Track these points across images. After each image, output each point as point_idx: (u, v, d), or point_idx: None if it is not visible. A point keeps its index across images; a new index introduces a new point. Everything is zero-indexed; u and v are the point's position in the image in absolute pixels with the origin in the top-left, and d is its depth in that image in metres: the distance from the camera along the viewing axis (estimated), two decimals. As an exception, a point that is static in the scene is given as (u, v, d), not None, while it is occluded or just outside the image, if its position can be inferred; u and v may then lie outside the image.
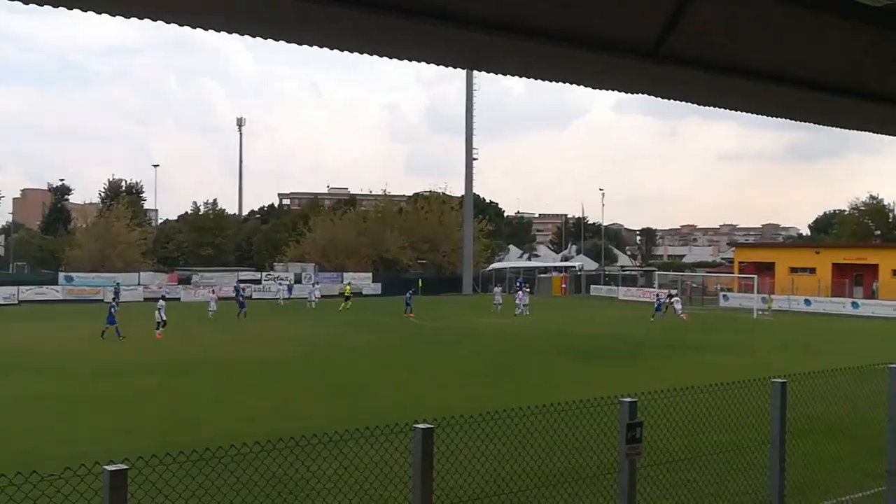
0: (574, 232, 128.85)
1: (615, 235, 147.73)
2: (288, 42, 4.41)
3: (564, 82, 5.47)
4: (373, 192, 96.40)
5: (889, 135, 9.28)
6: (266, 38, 4.41)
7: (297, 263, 74.71)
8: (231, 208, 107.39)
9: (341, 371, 25.33)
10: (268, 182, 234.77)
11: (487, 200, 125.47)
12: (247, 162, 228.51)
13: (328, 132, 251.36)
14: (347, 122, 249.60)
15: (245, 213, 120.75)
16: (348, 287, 57.55)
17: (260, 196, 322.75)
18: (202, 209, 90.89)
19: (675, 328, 42.59)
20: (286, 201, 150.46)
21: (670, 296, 51.41)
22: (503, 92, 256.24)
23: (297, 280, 68.84)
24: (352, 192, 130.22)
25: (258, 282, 67.17)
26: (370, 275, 73.75)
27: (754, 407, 9.48)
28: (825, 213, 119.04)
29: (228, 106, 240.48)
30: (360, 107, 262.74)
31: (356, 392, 21.18)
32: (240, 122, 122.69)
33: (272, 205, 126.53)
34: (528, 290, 50.99)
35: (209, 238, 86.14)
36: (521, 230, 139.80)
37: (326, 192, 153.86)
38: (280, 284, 64.13)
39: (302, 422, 16.39)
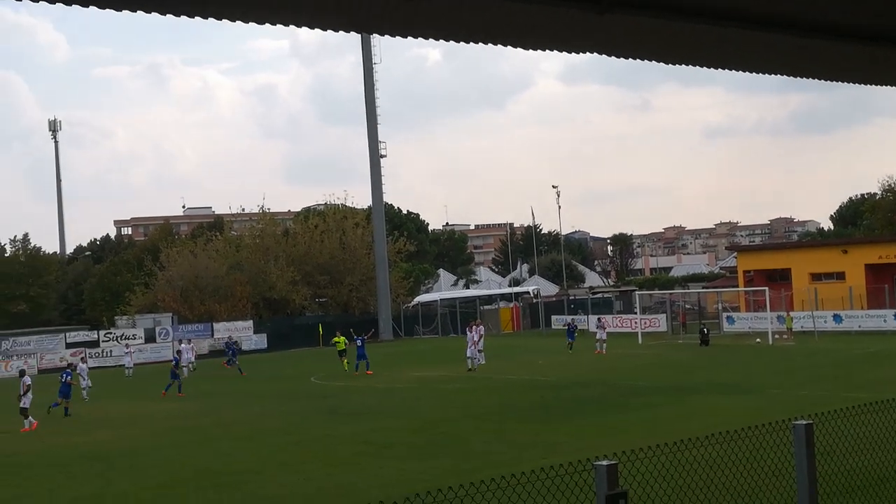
0: (524, 246, 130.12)
1: (579, 247, 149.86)
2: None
3: (490, 42, 5.52)
4: (246, 210, 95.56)
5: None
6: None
7: (148, 315, 73.68)
8: (49, 245, 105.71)
9: (218, 457, 24.98)
10: (99, 205, 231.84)
11: (405, 212, 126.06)
12: (67, 180, 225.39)
13: (177, 132, 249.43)
14: (203, 117, 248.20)
15: (70, 250, 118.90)
16: (342, 339, 50.82)
17: (89, 225, 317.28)
18: (8, 250, 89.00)
19: (669, 366, 43.24)
20: (126, 230, 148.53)
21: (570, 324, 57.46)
22: (414, 63, 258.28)
23: (151, 338, 67.89)
24: (216, 212, 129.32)
25: (94, 344, 66.01)
26: (250, 323, 73.15)
27: (777, 460, 9.66)
28: (850, 199, 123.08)
29: (35, 103, 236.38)
30: (218, 95, 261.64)
31: (235, 484, 20.91)
32: (53, 126, 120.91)
33: (107, 236, 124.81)
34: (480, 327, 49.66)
35: (21, 289, 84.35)
36: (452, 248, 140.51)
37: (181, 213, 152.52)
38: (126, 348, 63.00)
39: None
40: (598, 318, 57.26)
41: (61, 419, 35.92)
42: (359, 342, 47.75)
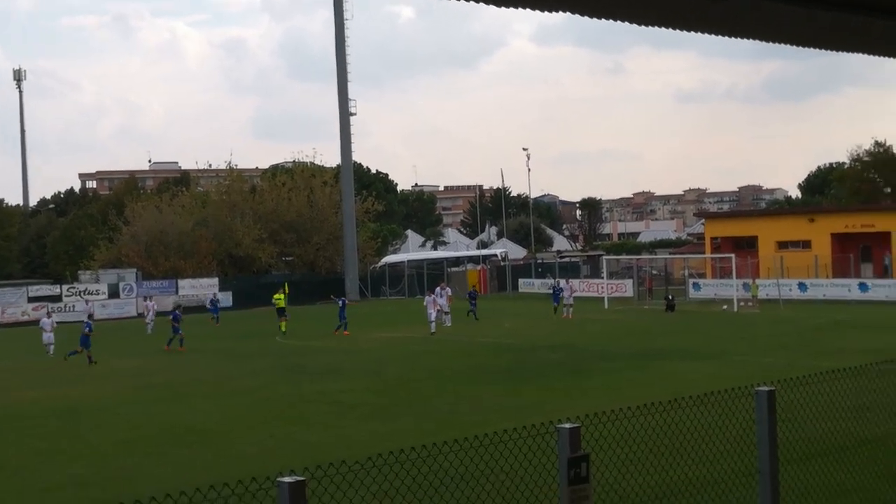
0: (492, 209, 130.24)
1: (547, 210, 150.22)
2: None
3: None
4: (213, 166, 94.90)
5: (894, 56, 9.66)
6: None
7: (112, 270, 73.24)
8: (12, 198, 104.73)
9: (184, 414, 25.03)
10: (64, 158, 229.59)
11: (374, 171, 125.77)
12: (32, 131, 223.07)
13: (145, 85, 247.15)
14: (171, 70, 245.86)
15: (33, 202, 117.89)
16: (281, 296, 49.63)
17: (53, 178, 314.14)
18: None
19: (635, 331, 43.55)
20: (91, 183, 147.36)
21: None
22: (387, 21, 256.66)
23: (115, 293, 67.56)
24: (183, 168, 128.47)
25: (58, 298, 65.57)
26: (216, 280, 72.92)
27: (739, 426, 9.76)
28: (819, 168, 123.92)
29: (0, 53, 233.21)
30: (187, 47, 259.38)
31: (204, 440, 20.98)
32: (18, 76, 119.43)
33: (71, 190, 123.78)
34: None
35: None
36: (421, 209, 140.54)
37: (147, 168, 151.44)
38: (86, 302, 62.66)
39: (128, 486, 16.09)
40: (566, 282, 57.21)
41: (23, 372, 35.90)
42: (340, 303, 47.59)
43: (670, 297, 55.47)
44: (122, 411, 26.00)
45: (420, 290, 77.95)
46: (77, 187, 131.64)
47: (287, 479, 5.14)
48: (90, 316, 53.39)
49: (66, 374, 35.21)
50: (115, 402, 27.81)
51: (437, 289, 48.54)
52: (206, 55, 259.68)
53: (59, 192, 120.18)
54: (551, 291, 57.30)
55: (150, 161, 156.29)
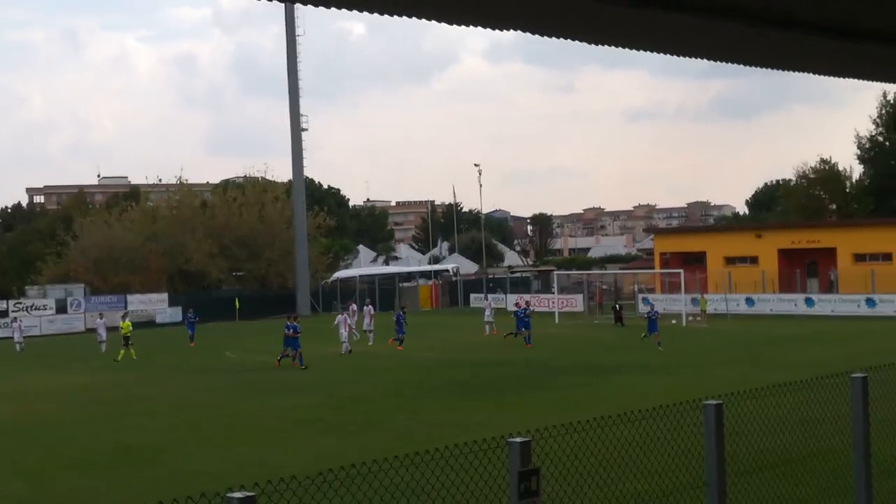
0: (444, 224, 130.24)
1: (499, 226, 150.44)
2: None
3: (411, 14, 5.46)
4: (163, 181, 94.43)
5: (843, 76, 9.81)
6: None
7: (60, 286, 72.38)
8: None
9: (132, 432, 24.69)
10: (11, 172, 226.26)
11: (325, 186, 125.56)
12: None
13: (94, 99, 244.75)
14: (121, 85, 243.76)
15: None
16: (127, 324, 46.11)
17: (0, 193, 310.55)
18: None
19: (586, 345, 43.73)
20: (39, 198, 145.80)
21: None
22: (338, 37, 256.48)
23: (62, 308, 66.74)
24: (133, 182, 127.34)
25: (3, 314, 64.62)
26: (165, 296, 72.29)
27: (686, 440, 9.83)
28: (766, 184, 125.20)
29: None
30: (137, 62, 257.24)
31: (152, 459, 20.71)
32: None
33: (18, 204, 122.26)
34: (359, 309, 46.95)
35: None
36: (373, 225, 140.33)
37: (96, 183, 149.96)
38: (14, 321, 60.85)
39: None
40: (486, 297, 55.98)
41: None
42: (398, 317, 44.49)
43: (618, 307, 55.91)
44: (68, 429, 25.53)
45: (373, 306, 77.80)
46: (24, 202, 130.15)
47: (237, 495, 5.12)
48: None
49: (9, 390, 34.64)
50: (61, 419, 27.33)
51: (353, 307, 46.79)
52: (157, 70, 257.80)
53: (7, 207, 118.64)
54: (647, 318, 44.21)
55: (99, 176, 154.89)
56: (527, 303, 46.83)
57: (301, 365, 37.31)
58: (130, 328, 45.59)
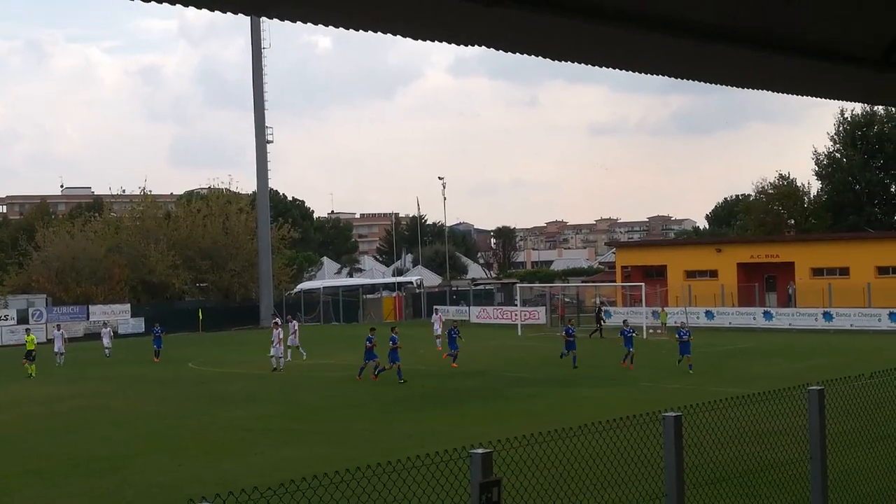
0: (409, 237, 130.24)
1: (463, 239, 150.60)
2: None
3: (376, 29, 5.50)
4: (126, 192, 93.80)
5: (796, 94, 9.94)
6: None
7: (21, 296, 71.65)
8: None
9: (92, 443, 24.48)
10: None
11: (290, 198, 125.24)
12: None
13: (58, 111, 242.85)
14: (85, 97, 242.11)
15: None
16: (32, 338, 44.38)
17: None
18: None
19: (548, 358, 43.82)
20: (1, 208, 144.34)
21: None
22: (304, 50, 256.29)
23: (24, 319, 66.07)
24: (96, 193, 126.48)
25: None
26: (128, 306, 71.79)
27: (645, 451, 9.88)
28: (726, 199, 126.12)
29: None
30: (102, 74, 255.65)
31: (113, 469, 20.53)
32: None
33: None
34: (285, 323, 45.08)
35: None
36: (337, 237, 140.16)
37: (59, 193, 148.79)
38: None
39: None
40: (434, 310, 55.66)
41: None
42: (453, 333, 42.03)
43: (601, 311, 57.56)
44: (28, 440, 25.32)
45: (336, 317, 77.60)
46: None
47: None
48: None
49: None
50: (20, 430, 27.09)
51: (278, 322, 43.75)
52: (122, 82, 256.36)
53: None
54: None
55: (62, 186, 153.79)
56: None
57: (400, 378, 35.00)
58: (35, 342, 44.22)
